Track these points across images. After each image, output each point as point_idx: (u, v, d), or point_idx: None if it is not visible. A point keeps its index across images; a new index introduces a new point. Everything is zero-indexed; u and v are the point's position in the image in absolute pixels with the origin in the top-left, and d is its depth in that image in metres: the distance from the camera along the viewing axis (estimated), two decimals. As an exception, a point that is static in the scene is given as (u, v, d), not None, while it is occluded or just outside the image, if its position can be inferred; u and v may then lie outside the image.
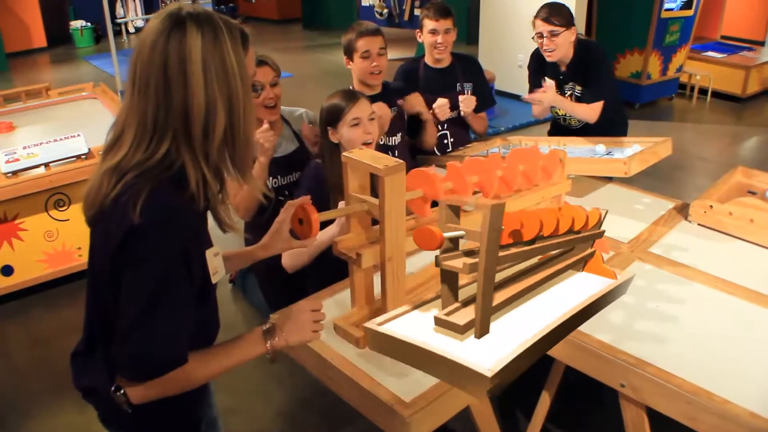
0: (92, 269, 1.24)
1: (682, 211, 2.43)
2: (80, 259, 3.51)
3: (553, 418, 2.32)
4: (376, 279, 1.65)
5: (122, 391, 1.20)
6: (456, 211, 1.12)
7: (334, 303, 1.85)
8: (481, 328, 0.91)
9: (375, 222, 1.57)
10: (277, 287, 2.62)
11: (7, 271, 3.34)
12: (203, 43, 1.11)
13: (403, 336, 0.93)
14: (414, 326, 0.97)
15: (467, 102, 3.01)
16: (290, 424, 2.57)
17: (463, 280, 1.04)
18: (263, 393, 2.72)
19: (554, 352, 1.72)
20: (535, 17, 2.94)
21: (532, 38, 2.99)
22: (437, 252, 1.04)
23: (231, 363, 1.27)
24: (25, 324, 3.28)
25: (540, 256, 1.05)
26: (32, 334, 3.20)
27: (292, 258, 2.07)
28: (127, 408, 1.22)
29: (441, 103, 2.90)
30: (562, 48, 2.93)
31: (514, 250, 0.94)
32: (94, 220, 1.19)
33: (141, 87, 1.13)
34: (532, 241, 0.98)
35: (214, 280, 1.27)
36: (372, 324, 0.96)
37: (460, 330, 1.01)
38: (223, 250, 1.56)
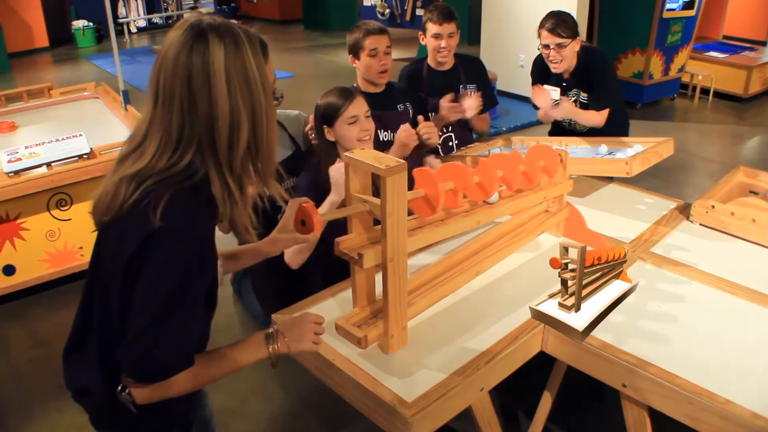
0: (98, 272, 1.25)
1: (684, 211, 2.43)
2: (82, 259, 3.51)
3: (555, 418, 2.32)
4: (378, 279, 1.65)
5: (127, 392, 1.21)
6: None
7: (336, 303, 1.86)
8: (577, 306, 1.65)
9: (377, 222, 1.57)
10: (271, 293, 2.62)
11: (9, 270, 3.34)
12: (225, 54, 1.13)
13: (545, 310, 1.67)
14: (551, 306, 1.69)
15: (472, 103, 2.98)
16: (291, 424, 2.57)
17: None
18: (264, 393, 2.72)
19: (556, 352, 1.72)
20: (541, 28, 2.92)
21: (538, 48, 2.98)
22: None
23: (234, 367, 1.28)
24: (27, 324, 3.29)
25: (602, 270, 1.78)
26: (34, 334, 3.20)
27: (295, 254, 2.08)
28: (132, 408, 1.22)
29: (449, 104, 2.89)
30: (568, 59, 2.92)
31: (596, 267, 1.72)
32: (108, 225, 1.20)
33: (165, 99, 1.14)
34: (599, 264, 1.72)
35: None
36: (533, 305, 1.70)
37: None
38: (229, 248, 1.57)
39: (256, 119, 1.17)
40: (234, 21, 1.22)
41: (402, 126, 2.51)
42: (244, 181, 1.20)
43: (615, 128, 3.04)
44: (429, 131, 2.57)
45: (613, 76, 3.11)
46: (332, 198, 2.03)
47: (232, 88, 1.13)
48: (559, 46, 2.87)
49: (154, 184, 1.13)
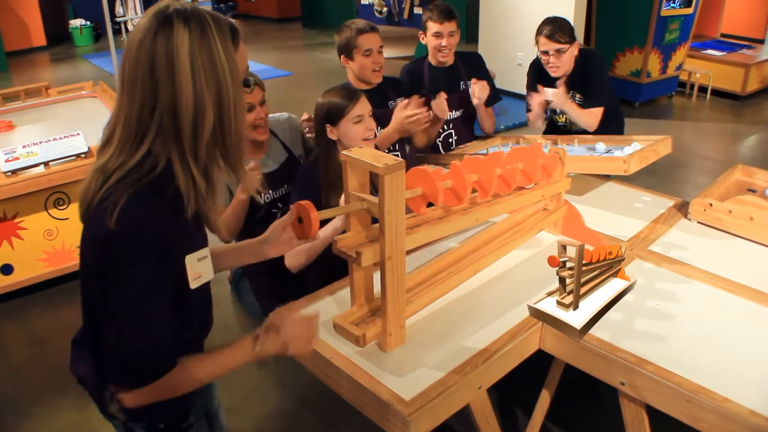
0: (83, 266, 1.25)
1: (682, 209, 2.43)
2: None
3: (553, 417, 2.32)
4: (376, 277, 1.65)
5: (115, 398, 1.20)
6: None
7: (334, 301, 1.85)
8: (575, 304, 1.65)
9: (375, 220, 1.57)
10: (269, 292, 2.61)
11: (7, 270, 3.34)
12: (191, 40, 1.10)
13: (543, 308, 1.66)
14: (549, 304, 1.68)
15: (480, 89, 2.92)
16: (289, 422, 2.56)
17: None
18: (262, 391, 2.72)
19: (554, 350, 1.72)
20: (538, 35, 2.94)
21: (537, 55, 3.00)
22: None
23: (223, 371, 1.26)
24: (25, 323, 3.28)
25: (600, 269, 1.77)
26: (32, 333, 3.20)
27: (295, 258, 2.08)
28: (120, 415, 1.22)
29: (439, 102, 2.87)
30: (566, 64, 2.95)
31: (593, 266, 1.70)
32: (84, 218, 1.20)
33: (128, 86, 1.13)
34: (598, 262, 1.71)
35: (193, 285, 1.22)
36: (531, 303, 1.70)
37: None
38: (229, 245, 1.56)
39: (222, 105, 1.14)
40: (210, 9, 1.19)
41: (399, 106, 2.53)
42: (211, 172, 1.18)
43: (609, 127, 3.05)
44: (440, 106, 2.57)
45: (605, 77, 3.11)
46: (335, 224, 2.00)
47: (196, 74, 1.10)
48: (558, 51, 2.89)
49: (116, 183, 1.12)
